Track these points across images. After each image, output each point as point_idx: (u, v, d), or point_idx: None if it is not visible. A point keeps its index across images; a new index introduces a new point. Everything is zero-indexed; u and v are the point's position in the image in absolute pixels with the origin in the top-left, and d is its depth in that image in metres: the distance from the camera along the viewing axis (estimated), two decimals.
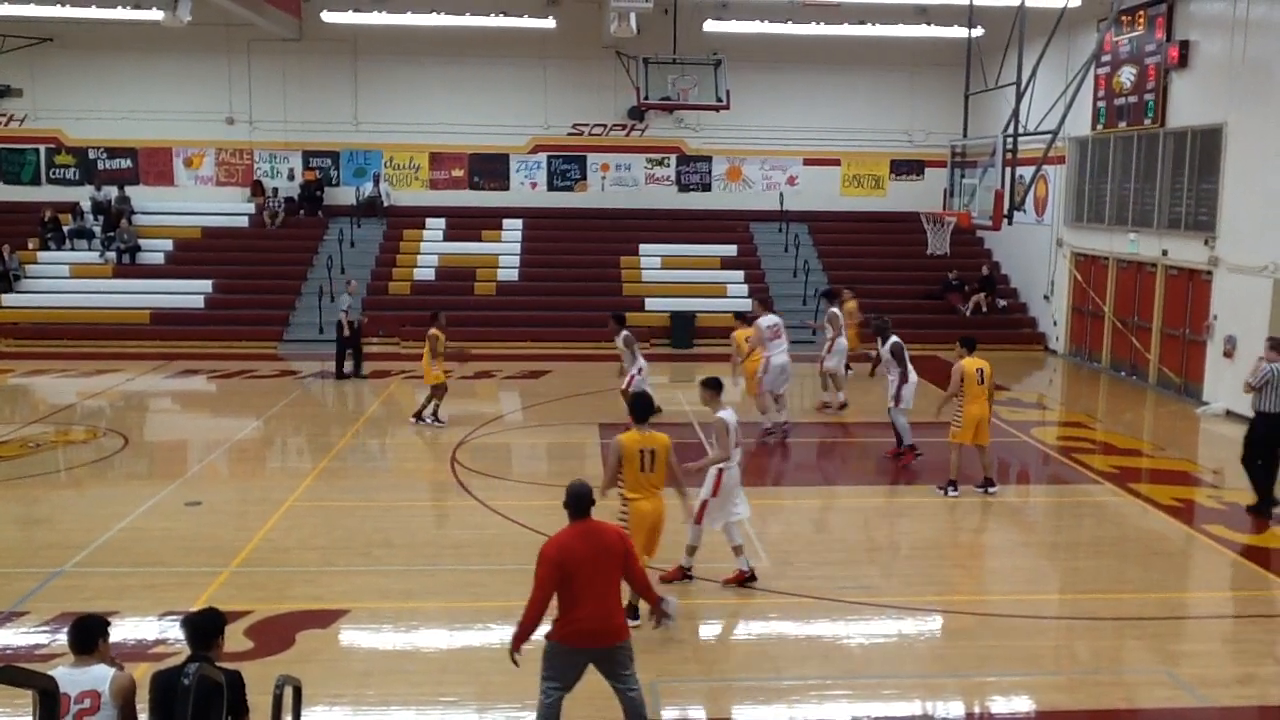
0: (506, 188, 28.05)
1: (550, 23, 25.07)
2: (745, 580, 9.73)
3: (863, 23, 24.27)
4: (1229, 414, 16.94)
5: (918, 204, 24.97)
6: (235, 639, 8.10)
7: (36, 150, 27.41)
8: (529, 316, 24.40)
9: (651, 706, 7.48)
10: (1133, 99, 20.24)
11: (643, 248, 26.67)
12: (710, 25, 24.66)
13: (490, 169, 27.99)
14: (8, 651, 8.17)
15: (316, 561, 10.28)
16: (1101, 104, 21.35)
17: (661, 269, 26.28)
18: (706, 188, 28.37)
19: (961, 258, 25.34)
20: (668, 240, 26.90)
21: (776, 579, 9.91)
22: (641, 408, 8.86)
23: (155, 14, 21.59)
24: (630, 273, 26.15)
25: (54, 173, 27.51)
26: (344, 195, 27.64)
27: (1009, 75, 16.50)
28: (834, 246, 27.22)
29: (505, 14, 24.36)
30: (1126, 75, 20.41)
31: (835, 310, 17.88)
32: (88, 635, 5.40)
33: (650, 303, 25.01)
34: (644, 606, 7.27)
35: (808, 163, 28.34)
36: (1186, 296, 18.99)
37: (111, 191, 26.87)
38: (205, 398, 19.28)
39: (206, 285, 24.93)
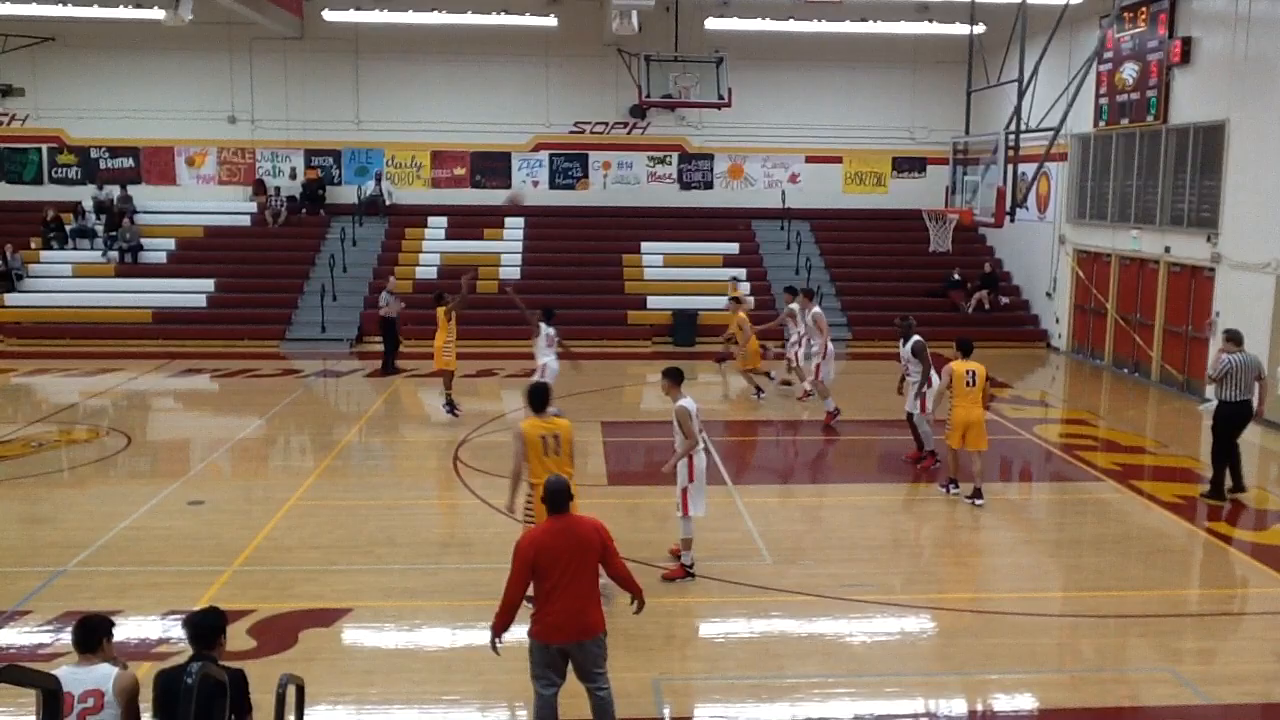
0: (509, 186, 28.02)
1: (552, 21, 25.07)
2: (686, 574, 9.77)
3: (864, 20, 24.26)
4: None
5: (920, 201, 24.94)
6: (238, 638, 8.11)
7: (39, 150, 27.43)
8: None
9: (654, 704, 7.50)
10: (1135, 96, 20.22)
11: (645, 246, 26.66)
12: (712, 23, 24.65)
13: (492, 167, 27.99)
14: (11, 651, 8.18)
15: (319, 560, 10.28)
16: (1103, 101, 21.32)
17: (664, 267, 26.27)
18: (708, 185, 28.35)
19: (964, 255, 25.33)
20: (670, 238, 26.90)
21: (779, 577, 9.91)
22: (538, 398, 9.13)
23: (157, 13, 21.58)
24: (632, 271, 26.14)
25: (56, 172, 27.52)
26: (346, 194, 27.64)
27: (1011, 72, 16.49)
28: (836, 244, 27.21)
29: (507, 12, 24.36)
30: (1129, 72, 20.38)
31: (818, 310, 17.55)
32: (91, 634, 5.40)
33: (652, 301, 25.02)
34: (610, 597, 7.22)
35: (810, 160, 28.32)
36: (1189, 293, 18.98)
37: (114, 191, 26.89)
38: (208, 397, 19.29)
39: (209, 284, 24.93)
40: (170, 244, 26.19)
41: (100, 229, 26.11)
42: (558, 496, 6.60)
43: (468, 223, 27.15)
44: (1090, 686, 7.93)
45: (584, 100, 27.71)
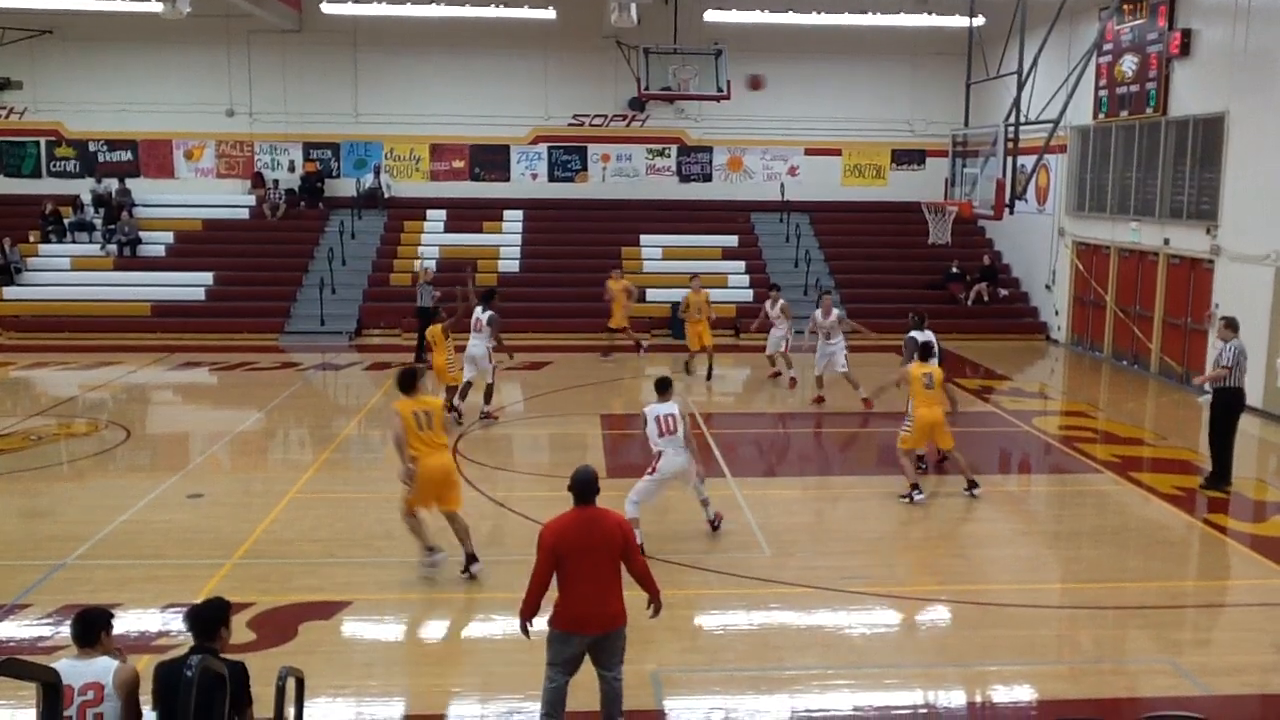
0: (507, 179, 28.03)
1: (550, 13, 25.00)
2: None
3: (864, 12, 24.22)
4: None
5: (919, 194, 24.94)
6: (238, 630, 8.09)
7: (37, 143, 27.38)
8: (530, 308, 24.34)
9: (654, 696, 7.51)
10: (1134, 88, 20.19)
11: (644, 238, 26.65)
12: (711, 15, 24.59)
13: (491, 160, 27.96)
14: (10, 644, 8.18)
15: (318, 553, 10.29)
16: (1103, 93, 21.30)
17: (663, 259, 26.26)
18: (707, 178, 28.33)
19: (963, 247, 25.31)
20: (669, 231, 26.89)
21: (778, 569, 9.92)
22: (406, 381, 9.78)
23: (155, 5, 21.54)
24: (631, 263, 26.09)
25: (54, 165, 27.48)
26: (344, 187, 27.62)
27: (1010, 64, 16.49)
28: (835, 236, 27.19)
29: (505, 4, 24.31)
30: (1128, 64, 20.36)
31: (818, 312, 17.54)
32: (90, 627, 5.40)
33: (651, 293, 24.98)
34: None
35: (809, 153, 28.29)
36: (1188, 285, 18.97)
37: (112, 184, 26.85)
38: (207, 390, 19.29)
39: (207, 277, 24.91)
40: (169, 237, 26.17)
41: (99, 222, 26.08)
42: (584, 488, 6.60)
43: (466, 215, 27.14)
44: (1089, 678, 7.94)
45: (583, 93, 27.67)
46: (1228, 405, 12.42)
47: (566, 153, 28.08)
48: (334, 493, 12.32)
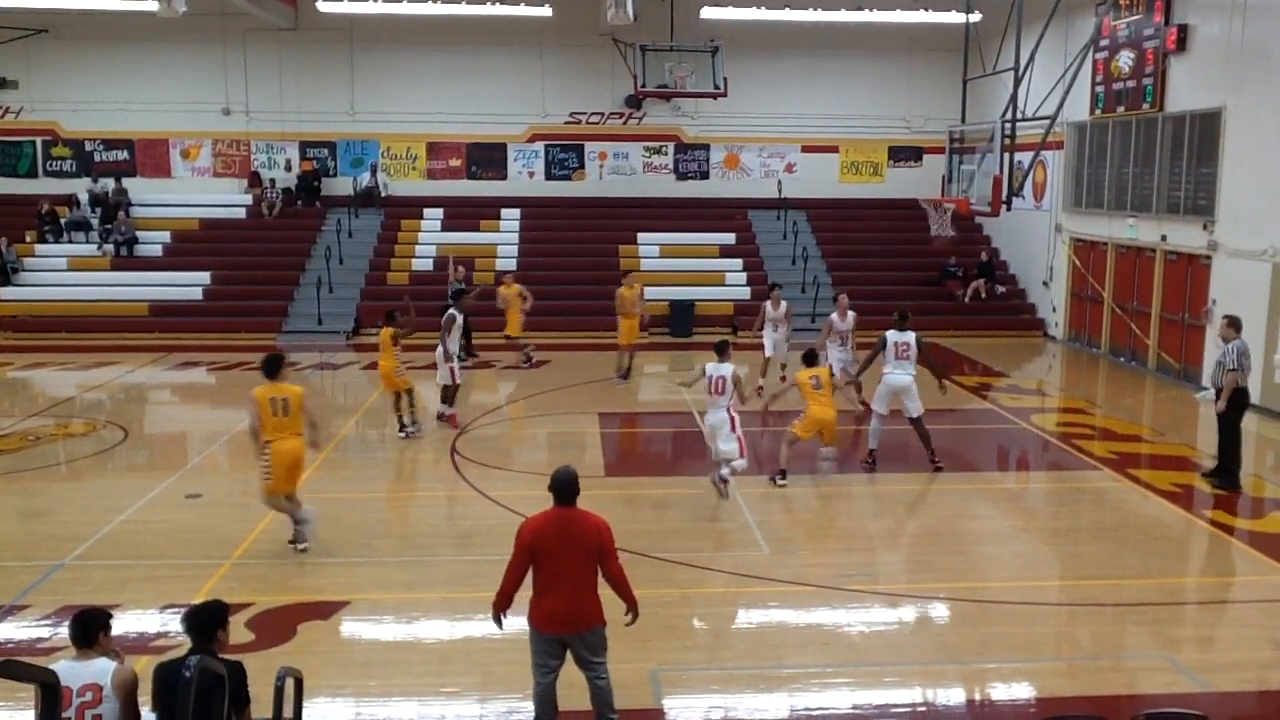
0: (504, 177, 28.01)
1: (547, 11, 24.97)
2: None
3: (860, 8, 24.20)
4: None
5: (916, 190, 24.97)
6: (236, 631, 8.10)
7: (33, 142, 27.33)
8: (527, 306, 24.31)
9: (653, 695, 7.51)
10: (1131, 83, 20.19)
11: (641, 236, 26.63)
12: (707, 12, 24.58)
13: (488, 158, 27.94)
14: (9, 645, 8.18)
15: (317, 553, 10.27)
16: (1100, 89, 21.30)
17: (660, 257, 26.24)
18: (704, 176, 28.32)
19: (960, 244, 25.30)
20: (666, 228, 26.86)
21: (777, 567, 9.93)
22: (270, 366, 10.14)
23: (150, 4, 21.50)
24: (629, 261, 26.03)
25: (51, 165, 27.44)
26: (341, 185, 27.59)
27: (1007, 60, 16.47)
28: (833, 234, 27.19)
29: (501, 2, 24.29)
30: (1125, 59, 20.36)
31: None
32: (89, 628, 5.40)
33: (649, 291, 24.87)
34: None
35: (806, 150, 28.28)
36: (1185, 281, 18.98)
37: (109, 183, 26.80)
38: (204, 389, 19.27)
39: (204, 277, 24.89)
40: (166, 237, 26.13)
41: (95, 222, 26.05)
42: (563, 488, 6.62)
43: (463, 214, 27.11)
44: (1087, 674, 7.95)
45: (579, 90, 27.65)
46: (1239, 405, 12.36)
47: (563, 151, 28.06)
48: (332, 493, 12.30)
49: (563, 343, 22.50)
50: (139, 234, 25.87)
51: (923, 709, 7.46)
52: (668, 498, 12.23)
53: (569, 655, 6.69)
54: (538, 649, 6.64)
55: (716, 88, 22.17)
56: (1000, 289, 25.38)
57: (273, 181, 27.28)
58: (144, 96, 26.93)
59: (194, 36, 26.15)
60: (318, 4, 24.81)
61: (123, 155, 27.43)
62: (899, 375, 13.23)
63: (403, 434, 14.72)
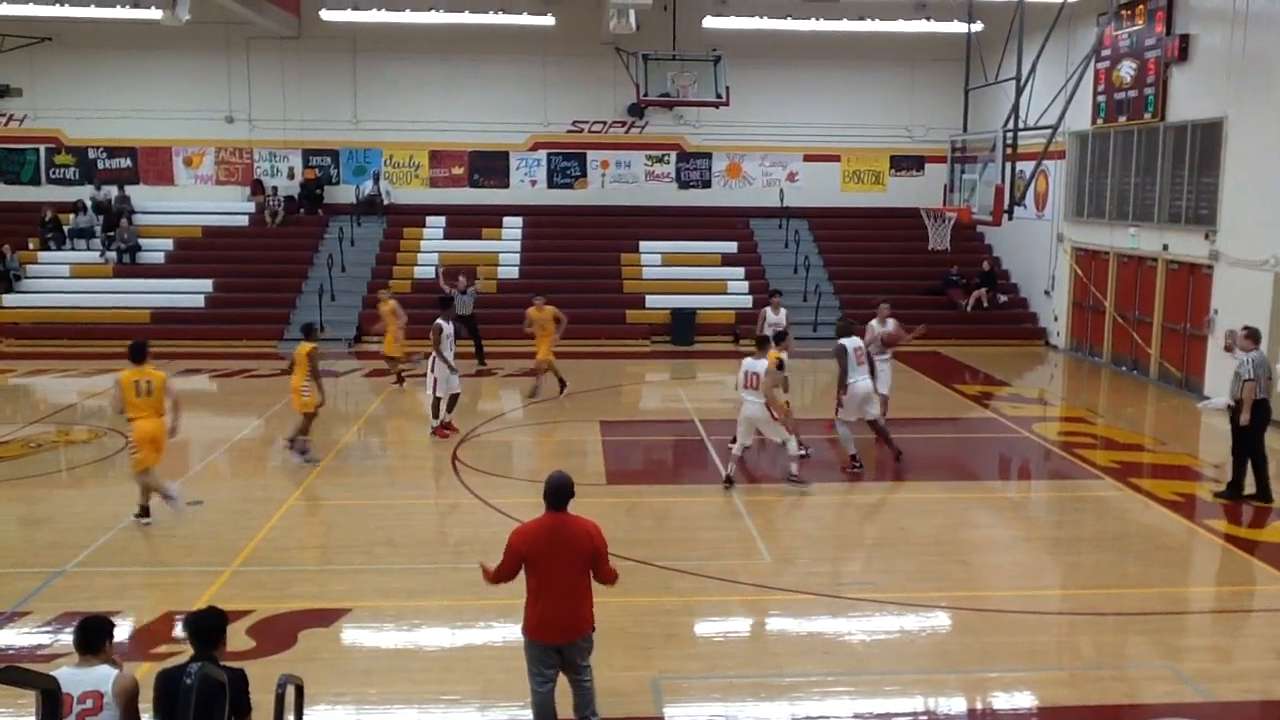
0: (506, 185, 28.05)
1: (549, 20, 25.06)
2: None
3: (862, 18, 24.27)
4: (1230, 408, 16.90)
5: (918, 199, 24.97)
6: (237, 638, 8.10)
7: (36, 150, 27.41)
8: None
9: (653, 704, 7.50)
10: (1133, 93, 20.22)
11: (643, 245, 26.66)
12: (709, 21, 24.65)
13: (490, 167, 27.98)
14: (10, 651, 8.17)
15: (318, 560, 10.28)
16: (1101, 98, 21.33)
17: (662, 266, 26.27)
18: (706, 184, 28.35)
19: (962, 253, 25.34)
20: (668, 237, 26.89)
21: (778, 576, 9.91)
22: (135, 352, 11.10)
23: (154, 13, 21.57)
24: (630, 270, 26.14)
25: (54, 172, 27.51)
26: (344, 193, 27.64)
27: (1009, 70, 16.50)
28: (834, 243, 27.21)
29: (504, 11, 24.36)
30: (1126, 69, 20.39)
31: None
32: (94, 636, 5.39)
33: (651, 300, 25.02)
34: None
35: (808, 159, 28.33)
36: (1187, 291, 18.98)
37: (111, 191, 26.88)
38: (206, 397, 19.27)
39: (207, 284, 24.93)
40: (168, 244, 26.18)
41: (98, 229, 26.10)
42: (556, 493, 6.61)
43: (466, 222, 27.16)
44: (1089, 684, 7.93)
45: (582, 99, 27.70)
46: (1262, 418, 12.16)
47: (565, 159, 28.11)
48: (333, 500, 12.31)
49: (564, 351, 22.45)
50: (141, 241, 25.92)
51: (924, 718, 7.45)
52: (669, 506, 12.22)
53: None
54: (534, 658, 6.63)
55: (719, 97, 22.18)
56: (1002, 298, 25.39)
57: (275, 189, 27.33)
58: (147, 104, 27.00)
59: (197, 45, 26.23)
60: (321, 12, 24.89)
61: (125, 163, 27.50)
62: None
63: (290, 448, 13.89)
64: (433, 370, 15.12)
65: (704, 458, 14.31)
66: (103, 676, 5.23)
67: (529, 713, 6.88)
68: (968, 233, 25.47)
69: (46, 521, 11.63)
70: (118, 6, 23.45)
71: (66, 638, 8.19)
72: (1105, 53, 20.81)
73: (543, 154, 28.08)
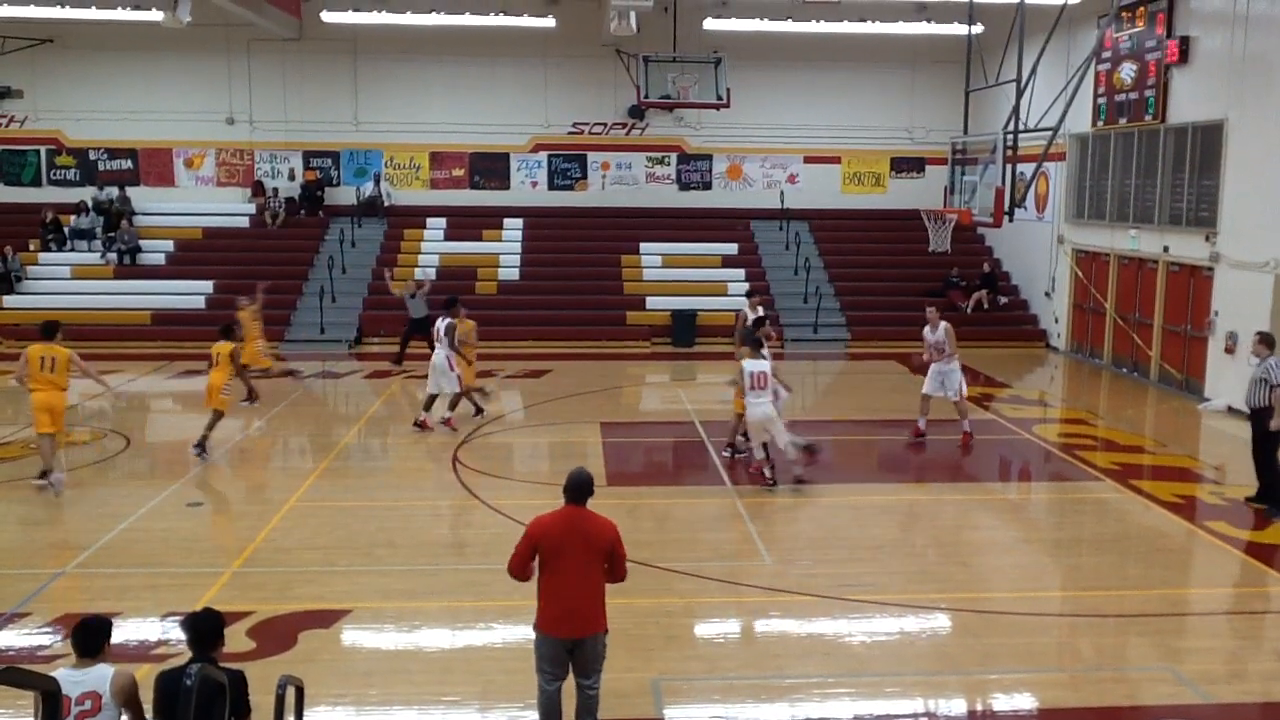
0: (507, 187, 28.05)
1: (550, 22, 25.07)
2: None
3: (863, 20, 24.27)
4: (1230, 410, 16.93)
5: (919, 201, 24.97)
6: (237, 639, 8.11)
7: (37, 151, 27.42)
8: (530, 316, 24.39)
9: (654, 705, 7.50)
10: (1133, 95, 20.22)
11: (643, 246, 26.66)
12: (710, 23, 24.66)
13: (491, 168, 27.99)
14: (9, 652, 8.17)
15: (318, 561, 10.28)
16: (1102, 100, 21.33)
17: (662, 267, 26.28)
18: (707, 186, 28.36)
19: (963, 255, 25.34)
20: (668, 239, 26.89)
21: (779, 577, 9.91)
22: (46, 330, 12.52)
23: (155, 15, 21.60)
24: (631, 271, 26.15)
25: (55, 174, 27.52)
26: (345, 195, 27.64)
27: (1009, 72, 16.50)
28: (835, 244, 27.22)
29: (505, 13, 24.37)
30: (1127, 71, 20.39)
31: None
32: (93, 637, 5.39)
33: (651, 301, 25.02)
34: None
35: (808, 160, 28.33)
36: (1188, 293, 18.98)
37: (112, 192, 26.88)
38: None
39: (207, 286, 24.93)
40: (169, 245, 26.19)
41: (99, 230, 26.11)
42: (577, 488, 6.65)
43: (466, 224, 27.16)
44: (1089, 686, 7.93)
45: (582, 101, 27.71)
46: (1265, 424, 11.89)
47: (566, 161, 28.12)
48: (334, 501, 12.31)
49: (565, 352, 22.51)
50: (142, 243, 25.93)
51: (924, 719, 7.45)
52: (670, 508, 12.22)
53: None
54: (544, 654, 6.63)
55: (719, 98, 22.20)
56: (1002, 300, 25.39)
57: (276, 191, 27.34)
58: (148, 106, 27.01)
59: (198, 46, 26.24)
60: (322, 14, 24.91)
61: (126, 164, 27.51)
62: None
63: (197, 451, 14.00)
64: (453, 368, 15.43)
65: (705, 459, 14.31)
66: (100, 677, 5.24)
67: (529, 714, 6.88)
68: (968, 234, 25.45)
69: (46, 522, 11.64)
70: (119, 8, 23.46)
71: (67, 639, 8.21)
72: (1106, 55, 20.82)
73: (543, 155, 28.08)
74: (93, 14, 23.56)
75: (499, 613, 8.72)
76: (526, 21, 24.85)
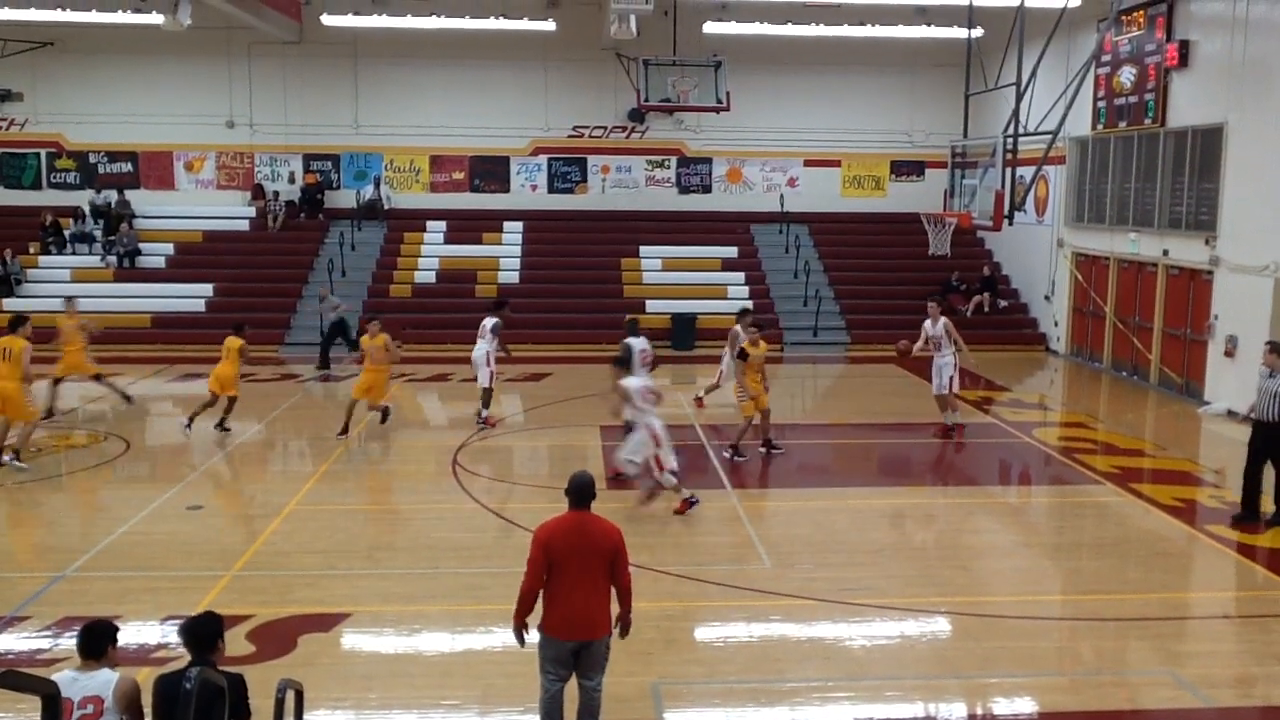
0: (507, 190, 28.06)
1: (550, 25, 25.08)
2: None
3: (862, 24, 24.27)
4: (1230, 414, 16.91)
5: (918, 205, 24.97)
6: (237, 643, 8.10)
7: (37, 154, 27.42)
8: (529, 319, 24.31)
9: (653, 709, 7.49)
10: (1133, 99, 20.24)
11: (643, 250, 26.66)
12: (710, 27, 24.66)
13: (491, 171, 28.00)
14: (9, 656, 8.16)
15: (318, 565, 10.27)
16: (1101, 104, 21.34)
17: (662, 271, 26.27)
18: (707, 189, 28.36)
19: (962, 258, 25.34)
20: (668, 242, 26.89)
21: (779, 581, 9.91)
22: (12, 323, 13.68)
23: (155, 18, 21.60)
24: (631, 275, 26.15)
25: (55, 177, 27.51)
26: (345, 198, 27.64)
27: (1009, 75, 16.51)
28: (835, 248, 27.22)
29: (505, 16, 24.36)
30: (1126, 75, 20.41)
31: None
32: (98, 640, 5.39)
33: (651, 304, 25.00)
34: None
35: (808, 164, 28.34)
36: (1187, 296, 18.98)
37: (112, 195, 26.87)
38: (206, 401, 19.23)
39: (207, 289, 24.93)
40: (169, 248, 26.18)
41: (99, 234, 26.11)
42: (580, 492, 6.66)
43: (466, 227, 27.16)
44: (1090, 689, 7.93)
45: (582, 104, 27.72)
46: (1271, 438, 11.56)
47: (566, 164, 28.12)
48: (334, 504, 12.31)
49: (564, 355, 22.50)
50: (142, 246, 25.93)
51: None
52: (669, 511, 12.21)
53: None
54: (549, 656, 6.63)
55: (719, 102, 22.21)
56: (1002, 303, 25.39)
57: (276, 194, 27.34)
58: (148, 109, 27.02)
59: (198, 50, 26.25)
60: (322, 17, 24.91)
61: (126, 167, 27.51)
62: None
63: (222, 429, 15.44)
64: (489, 364, 16.14)
65: (704, 463, 14.31)
66: (104, 682, 5.23)
67: (529, 717, 6.88)
68: (968, 238, 25.44)
69: (46, 526, 11.64)
70: (119, 11, 23.47)
71: (66, 642, 8.21)
72: (1105, 58, 20.83)
73: (543, 159, 28.09)
74: (93, 17, 23.57)
75: (499, 616, 8.70)
76: (526, 25, 24.85)
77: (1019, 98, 16.08)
